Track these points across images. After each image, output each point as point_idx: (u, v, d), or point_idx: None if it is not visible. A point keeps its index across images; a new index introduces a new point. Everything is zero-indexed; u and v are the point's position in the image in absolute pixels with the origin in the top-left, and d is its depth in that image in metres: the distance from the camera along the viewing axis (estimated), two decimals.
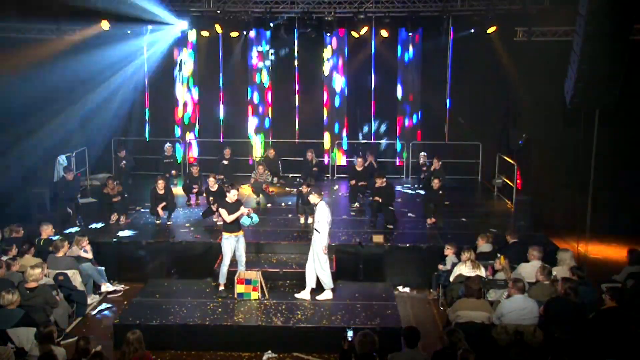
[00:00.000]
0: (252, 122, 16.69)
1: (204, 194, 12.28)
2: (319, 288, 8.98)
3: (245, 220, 8.83)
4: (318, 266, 8.82)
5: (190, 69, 16.61)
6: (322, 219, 8.65)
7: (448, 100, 16.05)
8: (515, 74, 14.48)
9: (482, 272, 8.54)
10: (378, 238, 10.58)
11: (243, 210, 8.79)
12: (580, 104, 9.67)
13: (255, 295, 8.77)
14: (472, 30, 13.88)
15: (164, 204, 11.35)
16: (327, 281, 8.91)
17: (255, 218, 8.96)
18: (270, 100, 16.64)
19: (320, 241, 8.73)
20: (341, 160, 16.54)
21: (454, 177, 14.78)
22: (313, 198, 8.92)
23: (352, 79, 16.38)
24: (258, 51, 16.37)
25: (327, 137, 16.55)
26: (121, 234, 10.96)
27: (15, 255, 8.97)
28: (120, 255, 10.46)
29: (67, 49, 14.06)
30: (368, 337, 6.09)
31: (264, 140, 16.63)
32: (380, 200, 11.27)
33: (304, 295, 8.92)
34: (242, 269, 9.00)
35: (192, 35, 16.05)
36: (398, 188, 13.64)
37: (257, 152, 16.58)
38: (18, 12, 13.32)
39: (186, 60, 16.50)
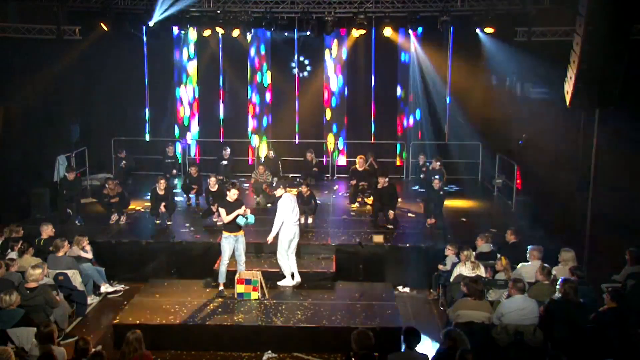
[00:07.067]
0: (252, 122, 16.72)
1: (204, 194, 12.28)
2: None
3: (240, 220, 8.81)
4: (279, 253, 9.28)
5: (190, 69, 16.63)
6: (283, 210, 9.10)
7: (448, 100, 16.08)
8: (515, 74, 14.50)
9: (482, 272, 8.53)
10: (378, 238, 10.58)
11: (239, 210, 8.79)
12: (580, 104, 9.67)
13: (255, 295, 8.76)
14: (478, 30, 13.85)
15: (164, 204, 11.34)
16: (286, 268, 9.32)
17: (251, 218, 8.95)
18: (270, 100, 16.67)
19: (286, 231, 9.16)
20: (339, 159, 16.53)
21: (454, 177, 14.83)
22: (278, 191, 9.36)
23: (352, 79, 16.40)
24: (257, 51, 16.39)
25: (330, 138, 16.58)
26: (121, 234, 10.97)
27: (17, 253, 8.99)
28: (120, 255, 10.45)
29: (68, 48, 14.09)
30: (363, 335, 6.10)
31: (265, 140, 16.65)
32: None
33: (286, 282, 9.27)
34: (242, 268, 9.00)
35: (193, 35, 16.08)
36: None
37: (262, 152, 16.53)
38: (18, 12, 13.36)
39: (186, 60, 16.52)
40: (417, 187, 14.67)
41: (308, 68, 16.34)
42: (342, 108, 16.54)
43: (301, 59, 16.26)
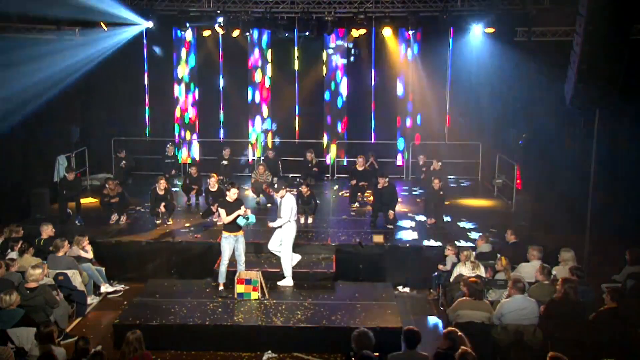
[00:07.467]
0: (252, 122, 16.72)
1: (204, 194, 12.28)
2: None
3: (240, 221, 8.81)
4: (284, 253, 9.26)
5: (190, 69, 16.62)
6: (290, 207, 9.20)
7: (448, 100, 16.08)
8: (515, 74, 14.48)
9: (481, 272, 8.54)
10: (378, 238, 10.58)
11: (240, 210, 8.79)
12: (580, 104, 9.66)
13: (255, 295, 8.76)
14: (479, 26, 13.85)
15: (164, 204, 11.34)
16: (288, 268, 9.31)
17: (252, 218, 8.96)
18: (270, 100, 16.66)
19: (290, 231, 9.21)
20: (335, 157, 16.51)
21: (454, 177, 14.81)
22: (281, 192, 9.38)
23: (352, 79, 16.40)
24: (258, 51, 16.40)
25: (326, 136, 16.59)
26: (121, 233, 10.97)
27: (17, 253, 8.99)
28: (120, 255, 10.46)
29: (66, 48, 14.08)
30: (363, 335, 6.10)
31: (263, 140, 16.67)
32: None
33: (287, 282, 9.30)
34: (242, 268, 9.01)
35: (192, 35, 16.08)
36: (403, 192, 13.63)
37: (251, 154, 16.59)
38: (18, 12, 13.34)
39: (186, 60, 16.52)
40: (417, 187, 14.70)
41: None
42: (343, 108, 16.53)
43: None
